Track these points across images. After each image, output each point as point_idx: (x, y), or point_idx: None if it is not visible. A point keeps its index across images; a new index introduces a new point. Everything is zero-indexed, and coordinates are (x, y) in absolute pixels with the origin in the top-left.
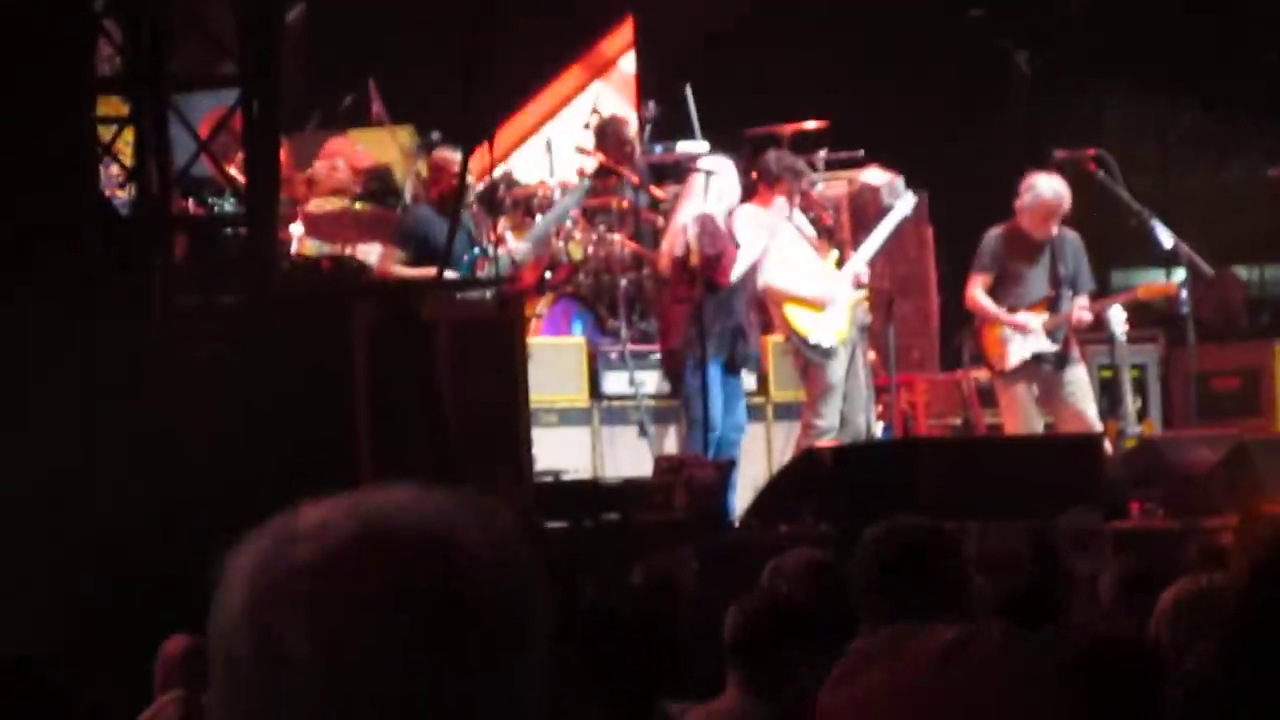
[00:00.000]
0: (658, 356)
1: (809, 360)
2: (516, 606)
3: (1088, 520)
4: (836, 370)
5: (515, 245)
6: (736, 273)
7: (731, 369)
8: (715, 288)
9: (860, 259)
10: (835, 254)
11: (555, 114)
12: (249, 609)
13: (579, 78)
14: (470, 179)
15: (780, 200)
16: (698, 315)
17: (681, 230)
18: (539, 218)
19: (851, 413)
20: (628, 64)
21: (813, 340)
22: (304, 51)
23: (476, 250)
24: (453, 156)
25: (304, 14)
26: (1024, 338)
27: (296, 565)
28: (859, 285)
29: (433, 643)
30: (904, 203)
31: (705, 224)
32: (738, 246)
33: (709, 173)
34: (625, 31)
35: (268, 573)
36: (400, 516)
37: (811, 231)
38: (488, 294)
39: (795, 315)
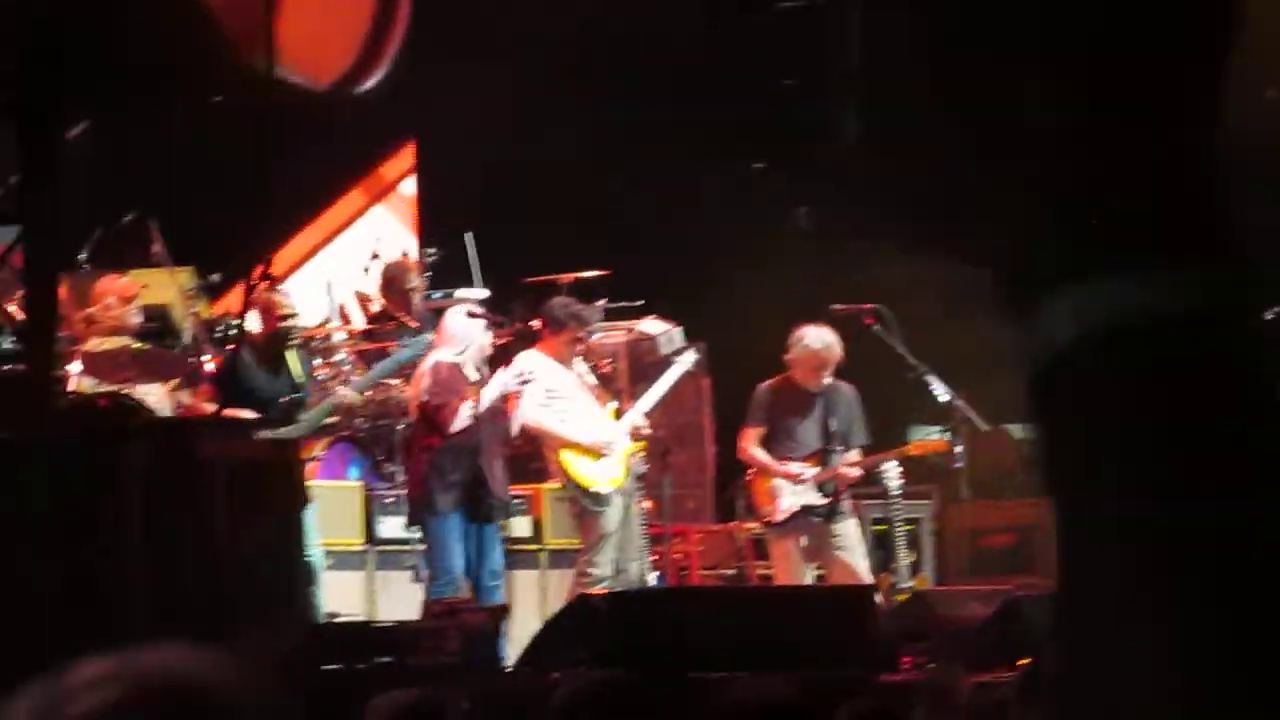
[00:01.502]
0: None
1: (584, 508)
2: None
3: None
4: (611, 518)
5: (343, 390)
6: (460, 422)
7: (474, 518)
8: (455, 435)
9: (638, 409)
10: (613, 403)
11: (333, 238)
12: None
13: (358, 201)
14: (295, 319)
15: (562, 348)
16: (436, 464)
17: (416, 377)
18: (349, 355)
19: (626, 561)
20: (408, 187)
21: (588, 488)
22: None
23: (299, 394)
24: (279, 299)
25: (85, 132)
26: (794, 490)
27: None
28: (636, 435)
29: None
30: (684, 358)
31: (439, 372)
32: (473, 392)
33: (471, 315)
34: (406, 156)
35: None
36: (169, 675)
37: (591, 379)
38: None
39: (572, 462)
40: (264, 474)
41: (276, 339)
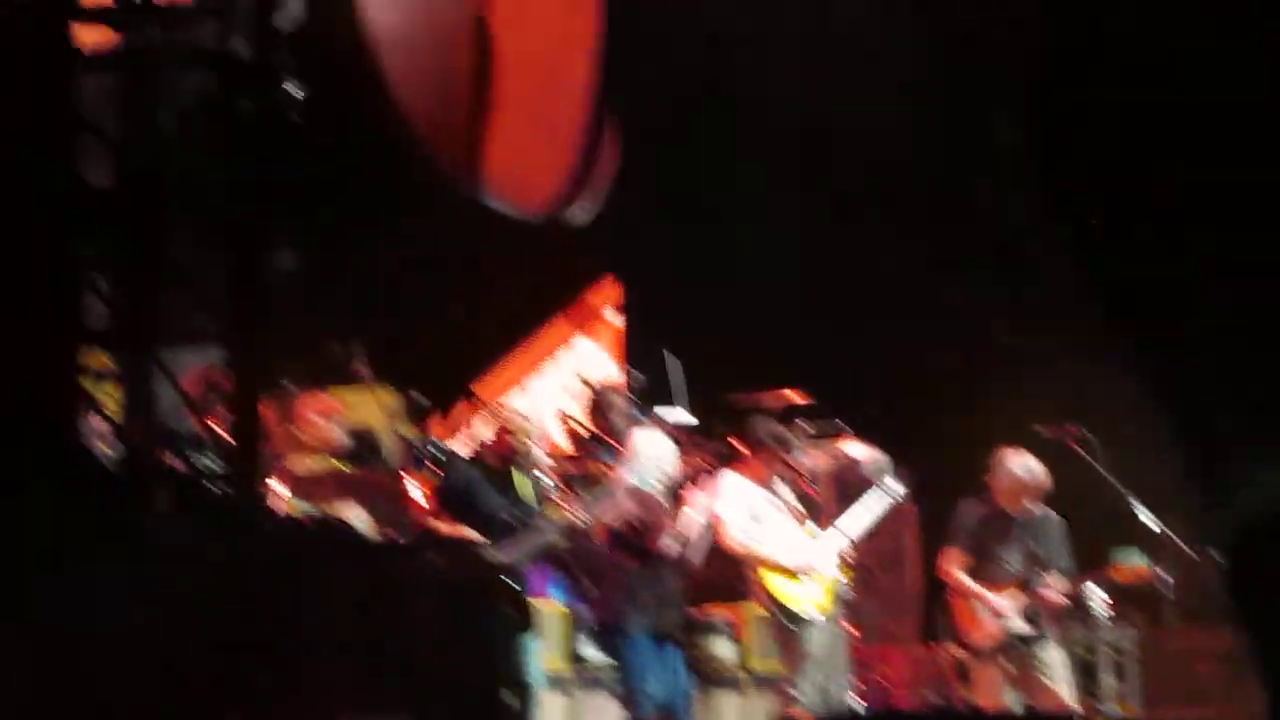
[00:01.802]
0: None
1: (787, 630)
2: None
3: None
4: (815, 641)
5: (570, 513)
6: (672, 543)
7: (663, 639)
8: (647, 557)
9: (843, 533)
10: (815, 525)
11: (538, 366)
12: None
13: (564, 330)
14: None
15: (764, 469)
16: (628, 585)
17: (616, 498)
18: (599, 489)
19: (829, 685)
20: (613, 317)
21: (792, 609)
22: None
23: (526, 516)
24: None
25: (291, 259)
26: (998, 616)
27: None
28: (840, 558)
29: None
30: (889, 482)
31: (634, 495)
32: (674, 515)
33: (660, 434)
34: (611, 285)
35: None
36: None
37: (793, 501)
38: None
39: (775, 584)
40: (480, 595)
41: (506, 459)
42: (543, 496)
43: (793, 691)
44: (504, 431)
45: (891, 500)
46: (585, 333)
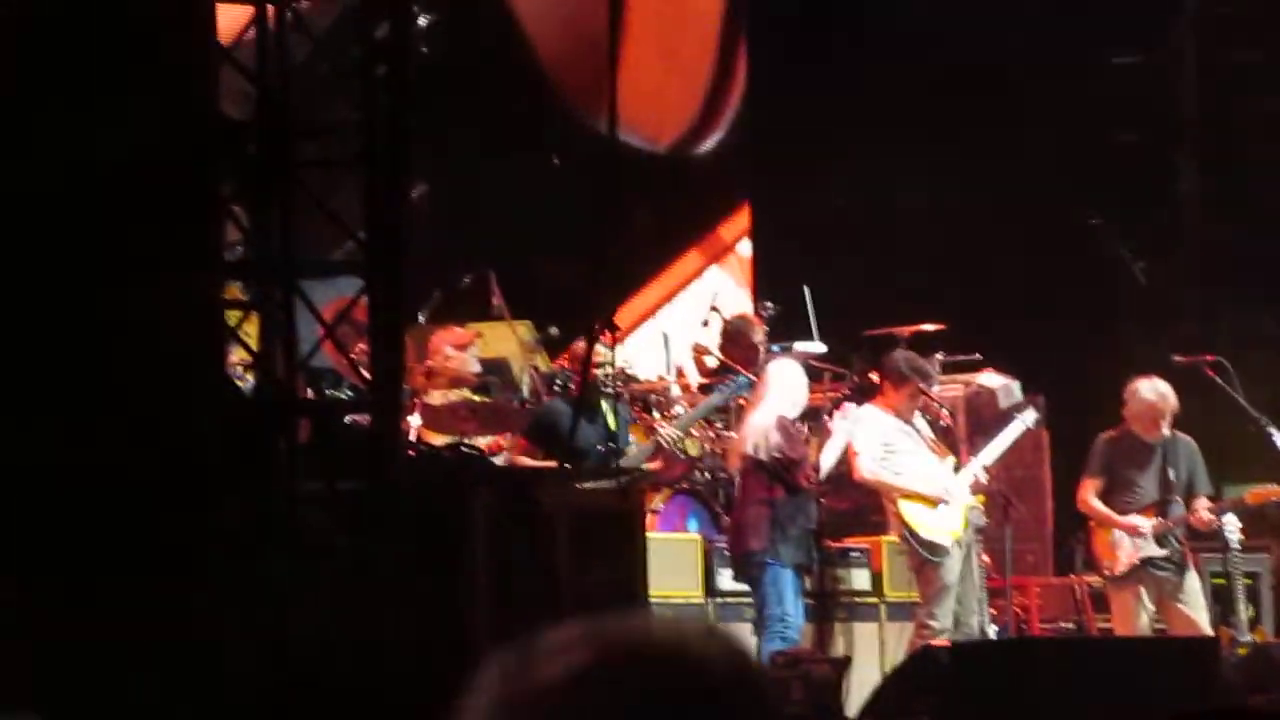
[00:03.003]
0: None
1: (923, 560)
2: (758, 713)
3: None
4: (951, 570)
5: (664, 431)
6: (804, 475)
7: (802, 571)
8: (795, 490)
9: (979, 463)
10: (952, 456)
11: (671, 298)
12: None
13: (696, 262)
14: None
15: (900, 400)
16: (778, 517)
17: (755, 429)
18: (687, 409)
19: (965, 614)
20: (745, 249)
21: (927, 538)
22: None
23: (613, 444)
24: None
25: (425, 195)
26: (1134, 542)
27: (541, 683)
28: (976, 488)
29: None
30: (1026, 415)
31: (785, 426)
32: (817, 448)
33: (796, 365)
34: (742, 217)
35: (512, 690)
36: (639, 637)
37: (929, 432)
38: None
39: (910, 513)
40: (605, 522)
41: (590, 388)
42: (628, 424)
43: (929, 620)
44: (588, 364)
45: (1025, 429)
46: (718, 264)
